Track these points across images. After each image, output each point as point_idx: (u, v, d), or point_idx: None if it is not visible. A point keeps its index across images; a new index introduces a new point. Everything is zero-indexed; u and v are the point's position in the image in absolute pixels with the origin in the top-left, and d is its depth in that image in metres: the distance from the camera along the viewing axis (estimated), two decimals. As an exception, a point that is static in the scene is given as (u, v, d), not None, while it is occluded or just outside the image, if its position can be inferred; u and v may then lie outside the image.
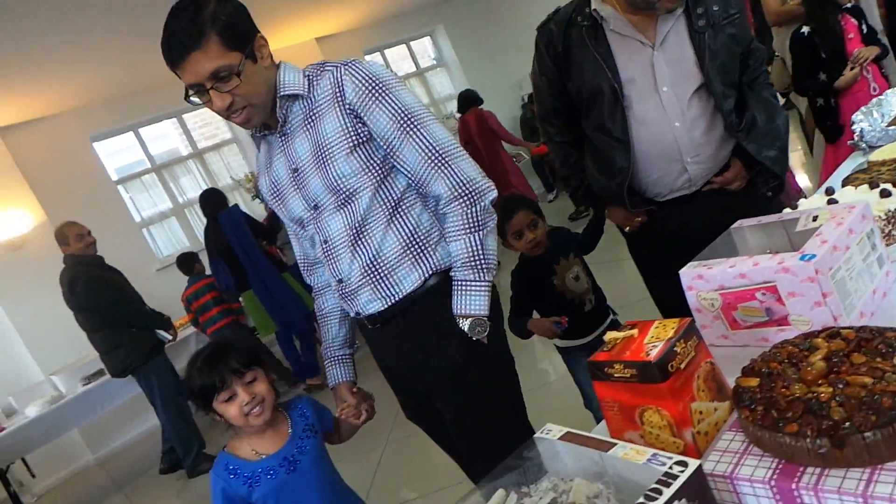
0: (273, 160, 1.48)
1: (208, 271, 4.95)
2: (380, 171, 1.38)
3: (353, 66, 1.35)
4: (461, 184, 1.35)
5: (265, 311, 4.64)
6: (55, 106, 5.71)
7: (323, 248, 1.47)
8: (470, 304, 1.38)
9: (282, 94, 1.37)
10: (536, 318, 2.04)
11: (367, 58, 8.18)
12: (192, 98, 1.33)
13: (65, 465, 5.37)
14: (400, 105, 1.34)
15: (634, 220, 1.86)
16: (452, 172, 1.35)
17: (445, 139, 1.37)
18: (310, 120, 1.38)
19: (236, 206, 4.74)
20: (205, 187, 6.80)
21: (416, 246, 1.41)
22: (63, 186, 5.76)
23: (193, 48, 1.24)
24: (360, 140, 1.35)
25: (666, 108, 1.67)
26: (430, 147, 1.35)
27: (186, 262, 4.92)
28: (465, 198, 1.36)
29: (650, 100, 1.68)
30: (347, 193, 1.38)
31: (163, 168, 6.64)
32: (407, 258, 1.41)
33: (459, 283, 1.38)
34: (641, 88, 1.68)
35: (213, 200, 4.70)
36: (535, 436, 0.91)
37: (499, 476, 0.89)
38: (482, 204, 1.37)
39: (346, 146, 1.34)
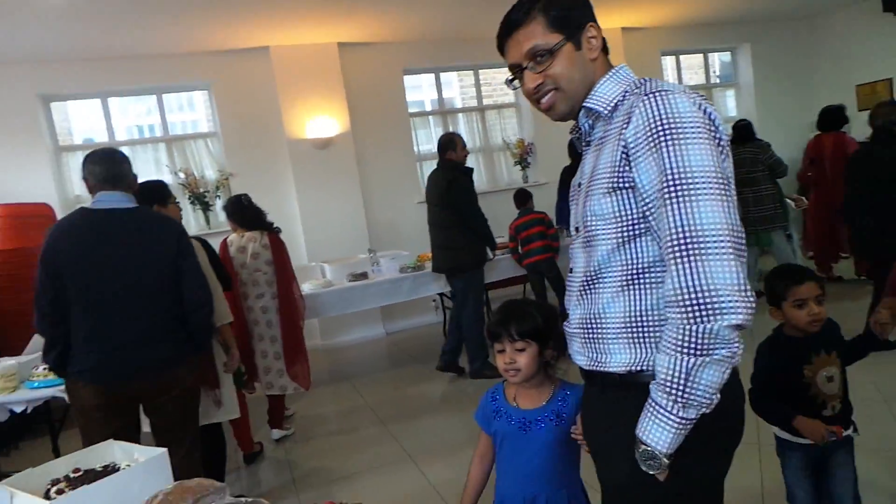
0: (582, 160, 1.35)
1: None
2: (632, 228, 1.15)
3: (651, 99, 1.11)
4: (693, 290, 1.02)
5: None
6: (381, 35, 6.39)
7: (568, 273, 1.35)
8: (650, 430, 1.10)
9: (585, 104, 1.25)
10: (806, 419, 1.83)
11: (663, 60, 8.04)
12: (514, 83, 1.30)
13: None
14: (676, 162, 1.06)
15: None
16: (690, 270, 1.03)
17: (711, 226, 1.03)
18: (600, 142, 1.23)
19: None
20: (478, 141, 7.25)
21: (640, 329, 1.17)
22: (369, 106, 6.48)
23: (518, 26, 1.24)
24: (622, 185, 1.15)
25: None
26: (682, 228, 1.04)
27: (522, 196, 5.43)
28: (691, 309, 1.02)
29: None
30: (590, 234, 1.21)
31: (447, 114, 7.16)
32: (625, 335, 1.19)
33: (650, 401, 1.11)
34: None
35: None
36: None
37: None
38: (712, 326, 1.01)
39: (607, 185, 1.16)
